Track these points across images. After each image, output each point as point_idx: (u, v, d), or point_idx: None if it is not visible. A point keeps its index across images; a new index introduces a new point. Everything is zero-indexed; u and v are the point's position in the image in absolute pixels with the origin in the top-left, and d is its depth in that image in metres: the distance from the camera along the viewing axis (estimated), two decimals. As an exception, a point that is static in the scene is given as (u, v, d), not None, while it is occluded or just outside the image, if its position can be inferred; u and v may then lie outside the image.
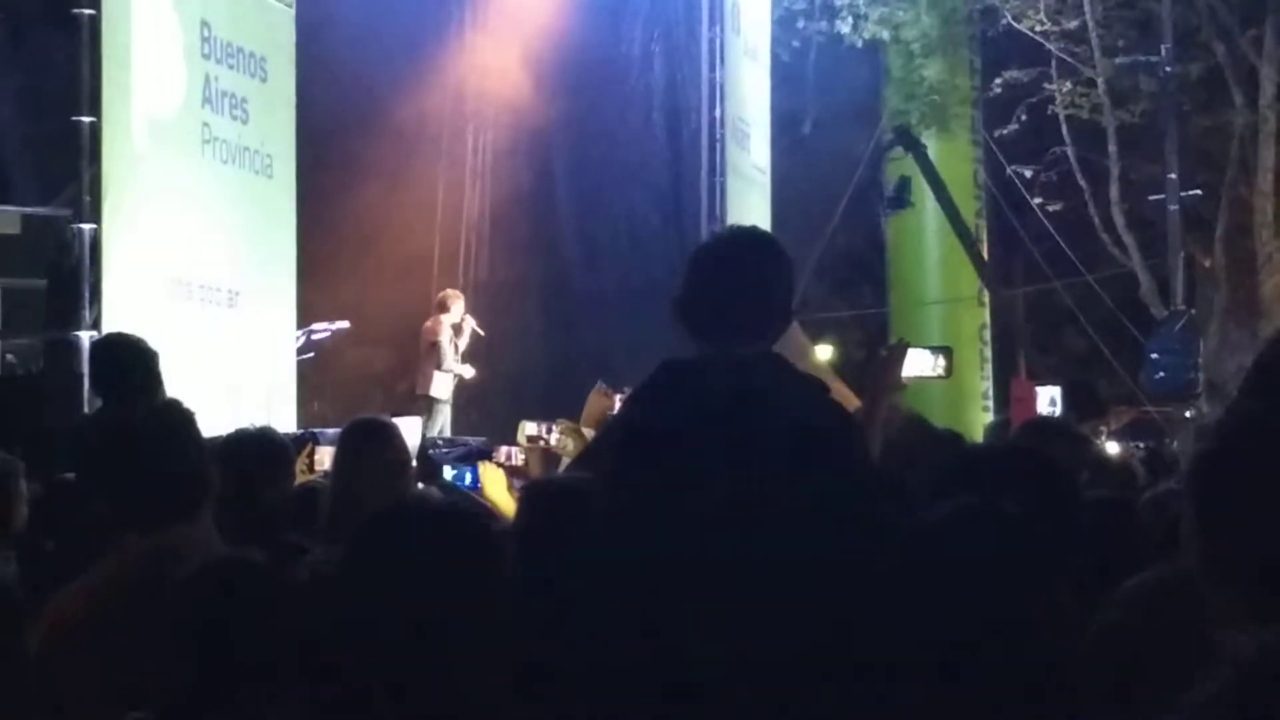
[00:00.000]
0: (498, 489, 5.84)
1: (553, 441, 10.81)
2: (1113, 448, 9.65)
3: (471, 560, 2.48)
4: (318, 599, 3.08)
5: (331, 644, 2.63)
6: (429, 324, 14.38)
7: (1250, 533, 2.83)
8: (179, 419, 3.87)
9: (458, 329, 14.30)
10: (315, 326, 12.74)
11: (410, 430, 6.60)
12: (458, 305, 14.37)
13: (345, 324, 13.33)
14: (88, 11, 9.17)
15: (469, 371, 14.39)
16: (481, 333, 14.43)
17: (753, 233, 3.91)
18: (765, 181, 18.78)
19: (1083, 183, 23.09)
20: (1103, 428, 8.81)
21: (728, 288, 3.55)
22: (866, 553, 3.13)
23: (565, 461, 9.41)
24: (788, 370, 3.66)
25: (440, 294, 14.66)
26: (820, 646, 3.13)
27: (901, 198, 16.47)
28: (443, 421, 14.20)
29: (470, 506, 2.77)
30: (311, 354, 12.59)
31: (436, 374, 14.12)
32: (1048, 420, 7.31)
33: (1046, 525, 3.09)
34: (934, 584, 2.69)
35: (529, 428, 11.10)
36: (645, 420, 3.54)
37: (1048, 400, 9.67)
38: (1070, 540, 3.28)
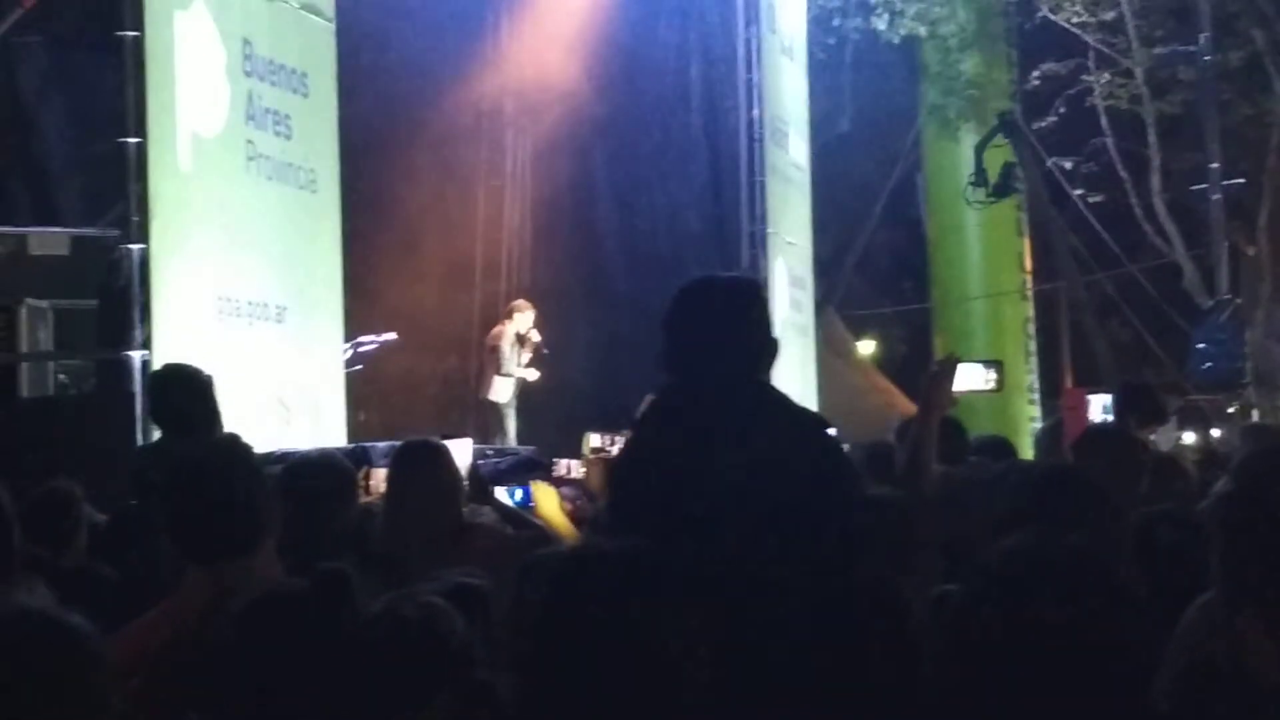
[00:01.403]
0: (550, 507, 5.87)
1: (615, 453, 10.73)
2: (1163, 440, 9.63)
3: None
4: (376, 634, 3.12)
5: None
6: (495, 330, 14.49)
7: (1269, 566, 2.91)
8: (239, 454, 3.92)
9: (522, 339, 14.33)
10: (362, 339, 12.78)
11: (460, 451, 6.63)
12: (524, 316, 14.38)
13: (393, 335, 13.38)
14: (131, 34, 9.20)
15: (532, 374, 14.40)
16: (546, 351, 14.46)
17: (719, 283, 4.07)
18: (804, 180, 18.74)
19: (1123, 173, 23.02)
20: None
21: (700, 342, 3.76)
22: (844, 578, 3.30)
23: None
24: (769, 400, 3.75)
25: (511, 303, 14.76)
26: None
27: (1008, 184, 16.38)
28: (509, 426, 14.29)
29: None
30: (359, 367, 12.63)
31: (497, 378, 14.20)
32: (1105, 430, 7.27)
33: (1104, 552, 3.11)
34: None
35: (593, 439, 11.06)
36: (640, 461, 3.82)
37: (1100, 408, 9.64)
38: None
